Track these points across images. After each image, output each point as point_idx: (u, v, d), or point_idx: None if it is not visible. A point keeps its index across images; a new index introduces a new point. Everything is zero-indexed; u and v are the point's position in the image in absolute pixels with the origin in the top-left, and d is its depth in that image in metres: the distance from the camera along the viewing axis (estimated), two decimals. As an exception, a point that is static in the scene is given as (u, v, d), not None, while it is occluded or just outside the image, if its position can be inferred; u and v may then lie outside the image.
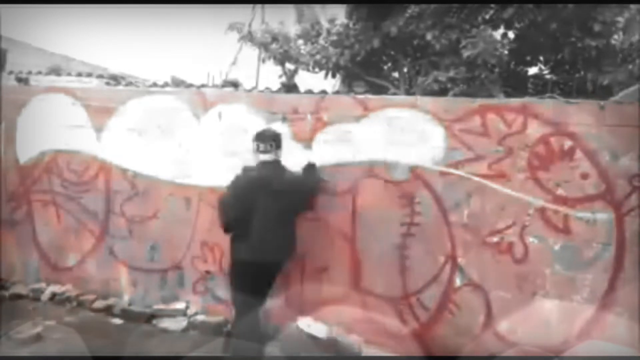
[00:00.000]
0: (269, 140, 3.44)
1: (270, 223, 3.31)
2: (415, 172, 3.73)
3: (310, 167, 3.82)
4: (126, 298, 4.52)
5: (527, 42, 5.18)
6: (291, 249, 3.56)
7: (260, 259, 3.30)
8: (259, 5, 6.79)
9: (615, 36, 5.02)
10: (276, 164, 3.48)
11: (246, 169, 3.49)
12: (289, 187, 3.43)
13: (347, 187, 3.90)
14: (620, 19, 4.89)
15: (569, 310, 3.36)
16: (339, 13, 6.46)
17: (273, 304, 3.74)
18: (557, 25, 4.71)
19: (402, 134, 3.78)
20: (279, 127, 4.09)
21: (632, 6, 4.86)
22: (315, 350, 3.80)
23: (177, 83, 5.22)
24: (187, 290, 4.36)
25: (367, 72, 5.92)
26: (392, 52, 6.02)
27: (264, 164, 3.42)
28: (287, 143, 4.06)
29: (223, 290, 4.24)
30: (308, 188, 3.73)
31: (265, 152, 3.43)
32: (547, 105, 3.48)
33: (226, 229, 3.41)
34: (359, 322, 3.86)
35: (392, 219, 3.77)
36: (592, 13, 4.64)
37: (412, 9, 5.28)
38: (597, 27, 4.62)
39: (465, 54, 4.68)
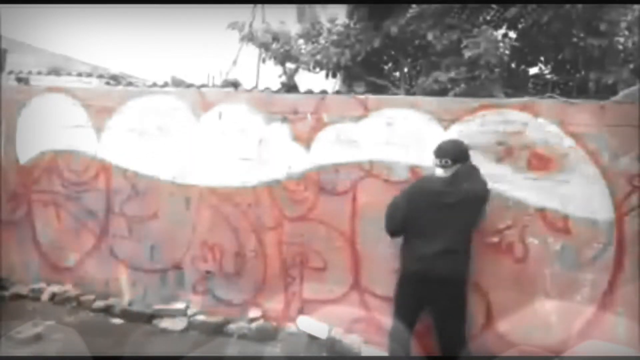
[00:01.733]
0: (443, 156, 3.27)
1: (434, 235, 3.14)
2: (415, 172, 3.73)
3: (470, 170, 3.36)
4: (126, 298, 4.52)
5: (529, 42, 5.17)
6: (457, 267, 3.19)
7: (415, 271, 3.21)
8: (259, 5, 6.78)
9: (619, 36, 5.01)
10: (453, 177, 3.22)
11: (425, 179, 3.44)
12: (461, 202, 3.16)
13: (347, 187, 3.90)
14: (625, 18, 4.89)
15: (569, 310, 3.35)
16: (340, 13, 6.46)
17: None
18: (561, 25, 4.70)
19: (402, 133, 3.78)
20: (278, 127, 4.10)
21: (637, 6, 4.86)
22: (315, 350, 3.80)
23: (177, 83, 5.21)
24: (187, 290, 4.36)
25: (367, 72, 5.91)
26: (393, 52, 6.00)
27: (439, 178, 3.28)
28: (287, 143, 4.08)
29: (223, 290, 4.25)
30: (479, 203, 3.29)
31: (441, 167, 3.27)
32: (548, 105, 3.48)
33: (392, 234, 3.43)
34: (359, 322, 3.86)
35: (392, 219, 3.77)
36: (598, 13, 4.64)
37: (413, 9, 5.27)
38: (602, 27, 4.62)
39: (467, 54, 4.67)
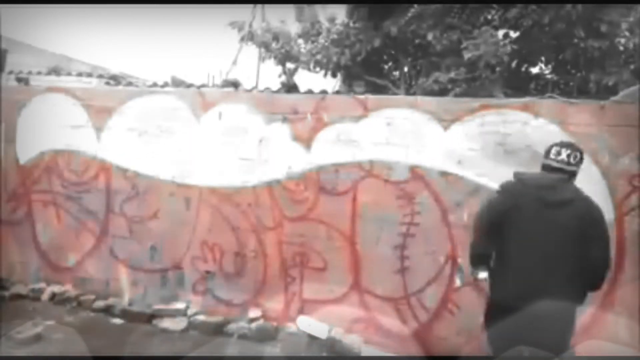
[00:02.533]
0: (576, 151, 2.58)
1: (543, 259, 2.46)
2: (415, 172, 3.73)
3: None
4: (126, 298, 4.52)
5: (529, 43, 5.17)
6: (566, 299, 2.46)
7: (521, 304, 2.41)
8: (259, 5, 6.78)
9: (620, 37, 5.02)
10: (571, 183, 2.60)
11: (527, 177, 2.64)
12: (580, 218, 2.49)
13: (347, 187, 3.90)
14: (626, 19, 4.89)
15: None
16: (340, 12, 6.47)
17: None
18: (562, 26, 4.70)
19: (402, 133, 3.78)
20: (279, 127, 4.10)
21: (638, 7, 4.86)
22: (315, 350, 3.80)
23: (177, 83, 5.22)
24: (187, 290, 4.36)
25: (367, 72, 5.91)
26: (393, 52, 6.01)
27: (559, 179, 2.55)
28: (287, 143, 4.08)
29: (223, 290, 4.25)
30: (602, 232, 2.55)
31: (570, 164, 2.56)
32: (548, 105, 3.48)
33: (474, 247, 2.71)
34: (359, 322, 3.86)
35: (392, 219, 3.77)
36: (598, 14, 4.65)
37: (413, 9, 5.27)
38: (603, 28, 4.63)
39: (467, 55, 4.67)
